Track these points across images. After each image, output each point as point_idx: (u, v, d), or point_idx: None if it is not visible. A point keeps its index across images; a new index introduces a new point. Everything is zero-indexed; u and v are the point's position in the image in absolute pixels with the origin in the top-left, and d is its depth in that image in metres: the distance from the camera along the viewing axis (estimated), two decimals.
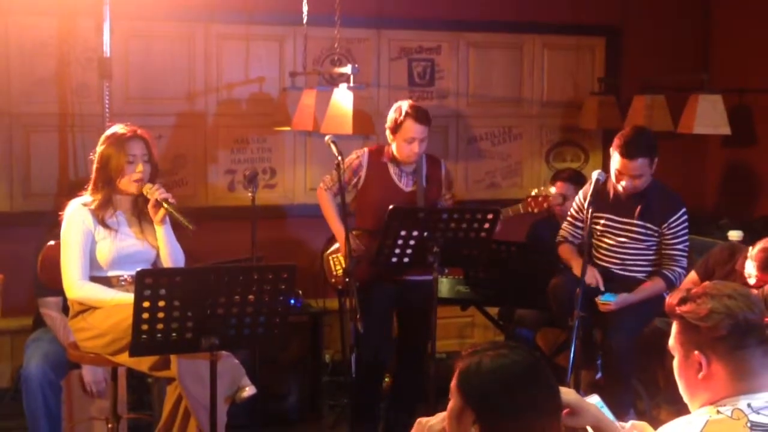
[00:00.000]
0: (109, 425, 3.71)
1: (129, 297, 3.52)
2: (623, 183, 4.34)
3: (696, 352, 2.19)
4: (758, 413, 2.10)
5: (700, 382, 2.19)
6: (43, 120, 5.19)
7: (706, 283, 2.37)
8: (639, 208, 4.41)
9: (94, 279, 3.62)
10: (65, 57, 5.19)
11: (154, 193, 3.61)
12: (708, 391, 2.18)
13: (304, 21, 5.12)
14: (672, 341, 2.30)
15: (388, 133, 4.55)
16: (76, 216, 3.64)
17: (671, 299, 2.30)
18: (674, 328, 2.29)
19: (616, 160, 4.34)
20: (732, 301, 2.19)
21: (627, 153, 4.28)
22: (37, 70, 5.15)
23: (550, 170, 6.17)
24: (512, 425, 1.89)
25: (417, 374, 4.66)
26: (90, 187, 3.71)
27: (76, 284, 3.58)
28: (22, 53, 5.12)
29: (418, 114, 4.46)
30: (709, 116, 5.55)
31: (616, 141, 4.33)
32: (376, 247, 4.23)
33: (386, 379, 5.00)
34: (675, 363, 2.29)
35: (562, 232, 4.66)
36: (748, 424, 2.08)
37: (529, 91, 6.20)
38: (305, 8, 5.11)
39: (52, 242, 3.89)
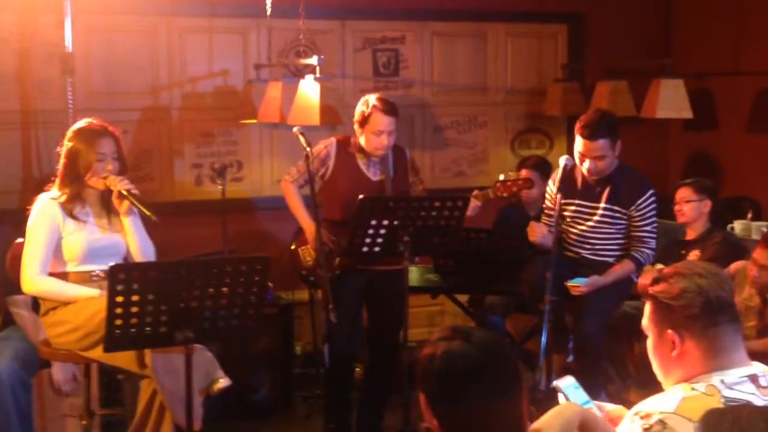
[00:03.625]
0: (83, 422, 3.67)
1: (88, 291, 3.51)
2: (587, 165, 4.38)
3: (669, 331, 2.23)
4: (731, 389, 2.15)
5: (674, 360, 2.23)
6: (5, 117, 5.13)
7: (678, 263, 2.41)
8: (606, 191, 4.46)
9: (66, 275, 3.59)
10: (26, 53, 5.13)
11: (118, 184, 3.59)
12: (682, 368, 2.22)
13: (268, 13, 5.10)
14: (645, 321, 2.34)
15: (356, 126, 4.54)
16: (45, 210, 3.61)
17: (643, 279, 2.35)
18: (647, 307, 2.33)
19: (578, 143, 4.39)
20: (703, 280, 2.23)
21: (588, 134, 4.33)
22: None
23: (515, 157, 6.21)
24: (465, 415, 1.91)
25: (389, 364, 4.68)
26: (58, 181, 3.68)
27: (33, 279, 3.56)
28: None
29: (386, 106, 4.46)
30: (671, 100, 5.62)
31: (578, 124, 4.39)
32: (346, 238, 4.23)
33: (357, 369, 5.01)
34: (649, 342, 2.33)
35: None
36: (722, 400, 2.12)
37: (493, 79, 6.23)
38: (269, 0, 5.09)
39: (20, 239, 3.85)
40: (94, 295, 3.51)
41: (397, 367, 4.57)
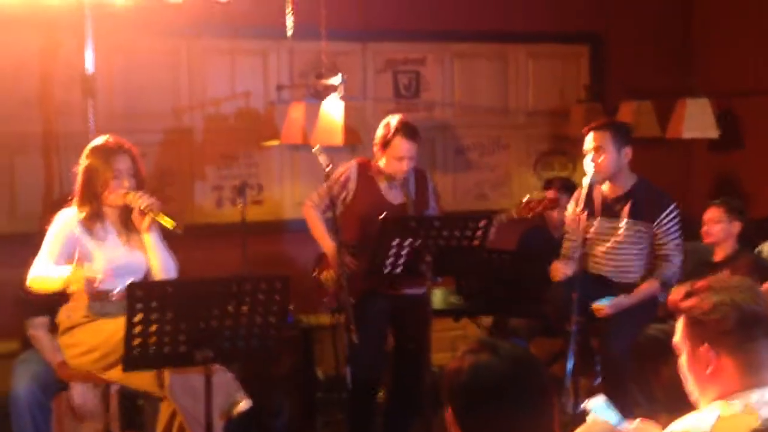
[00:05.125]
0: None
1: (68, 270, 3.45)
2: (589, 159, 4.37)
3: (703, 347, 2.16)
4: None
5: (709, 377, 2.16)
6: (27, 140, 5.13)
7: (709, 277, 2.34)
8: (627, 207, 4.40)
9: (84, 294, 3.55)
10: (47, 76, 5.13)
11: (137, 200, 3.56)
12: (717, 385, 2.15)
13: (289, 34, 5.09)
14: (678, 338, 2.27)
15: (376, 149, 4.49)
16: (64, 224, 3.61)
17: (674, 295, 2.27)
18: (679, 324, 2.26)
19: (585, 141, 4.43)
20: (737, 294, 2.16)
21: (589, 127, 4.46)
22: (19, 89, 5.08)
23: (538, 180, 6.15)
24: (493, 431, 1.85)
25: (412, 388, 4.61)
26: (76, 200, 3.66)
27: (30, 275, 3.57)
28: (3, 73, 5.05)
29: (408, 132, 4.41)
30: (697, 120, 5.57)
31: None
32: (367, 260, 4.18)
33: (380, 394, 4.94)
34: (682, 360, 2.26)
35: (562, 250, 4.64)
36: (760, 420, 2.05)
37: (515, 101, 6.19)
38: (290, 21, 5.08)
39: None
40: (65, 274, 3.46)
41: (420, 392, 4.49)
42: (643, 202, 4.39)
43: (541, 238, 5.24)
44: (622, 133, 4.42)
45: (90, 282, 3.44)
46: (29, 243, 4.52)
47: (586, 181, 4.28)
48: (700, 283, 2.26)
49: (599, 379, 4.44)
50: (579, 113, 6.09)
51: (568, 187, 5.24)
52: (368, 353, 4.34)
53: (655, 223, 4.36)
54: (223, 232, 5.34)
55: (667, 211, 4.37)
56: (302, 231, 4.87)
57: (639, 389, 4.57)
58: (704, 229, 4.91)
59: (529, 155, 6.27)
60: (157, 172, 5.32)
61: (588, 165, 4.39)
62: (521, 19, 6.08)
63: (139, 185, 3.67)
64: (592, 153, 4.37)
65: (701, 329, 2.17)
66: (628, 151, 4.39)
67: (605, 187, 4.46)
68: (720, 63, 6.20)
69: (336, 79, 4.60)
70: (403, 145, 4.39)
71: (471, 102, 6.08)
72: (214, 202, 5.53)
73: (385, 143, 4.43)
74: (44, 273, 3.54)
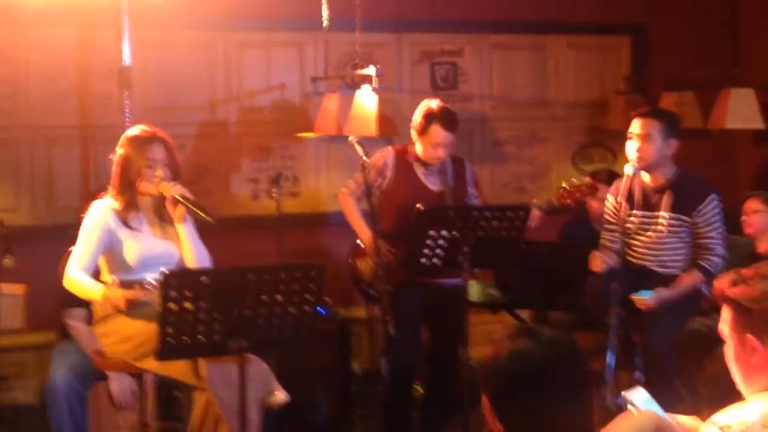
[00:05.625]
0: None
1: (100, 287, 3.45)
2: (635, 147, 4.26)
3: (749, 336, 2.10)
4: None
5: (756, 367, 2.09)
6: (64, 132, 5.16)
7: (757, 264, 2.27)
8: (667, 199, 4.31)
9: (118, 283, 3.55)
10: (85, 68, 5.16)
11: (171, 189, 3.54)
12: (764, 376, 2.08)
13: (324, 25, 5.06)
14: (723, 326, 2.20)
15: (413, 132, 4.45)
16: (99, 214, 3.60)
17: (720, 283, 2.20)
18: (725, 312, 2.19)
19: (631, 126, 4.33)
20: None
21: (640, 113, 4.33)
22: (57, 82, 5.12)
23: (577, 173, 6.06)
24: (531, 419, 1.79)
25: (449, 381, 4.55)
26: (111, 189, 3.65)
27: (68, 273, 3.56)
28: (42, 65, 5.09)
29: (447, 119, 4.34)
30: (741, 111, 5.45)
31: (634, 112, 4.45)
32: (405, 249, 4.13)
33: (417, 388, 4.89)
34: (727, 349, 2.19)
35: (601, 241, 4.55)
36: None
37: (554, 93, 6.12)
38: (325, 13, 5.05)
39: (73, 248, 3.82)
40: (99, 289, 3.48)
41: (457, 386, 4.43)
42: (683, 193, 4.30)
43: (582, 229, 5.14)
44: (671, 124, 4.32)
45: (118, 305, 3.47)
46: (67, 234, 4.53)
47: (627, 170, 4.18)
48: (747, 271, 2.19)
49: (640, 373, 4.35)
50: (619, 105, 6.00)
51: (612, 180, 5.14)
52: (404, 344, 4.29)
53: (696, 213, 4.26)
54: (259, 224, 5.32)
55: (707, 200, 4.27)
56: (339, 224, 4.85)
57: (682, 383, 4.48)
58: (743, 218, 4.81)
59: (568, 147, 6.19)
60: (192, 164, 5.32)
61: (630, 151, 4.29)
62: (561, 10, 6.00)
63: (174, 175, 3.65)
64: (637, 139, 4.27)
65: (748, 317, 2.11)
66: (674, 143, 4.29)
67: (646, 177, 4.37)
68: (764, 53, 6.06)
69: (370, 70, 4.55)
70: (439, 133, 4.33)
71: (509, 94, 6.02)
72: (250, 194, 5.52)
73: (422, 129, 4.37)
74: (81, 281, 3.54)
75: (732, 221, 4.70)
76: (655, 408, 2.27)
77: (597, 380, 4.45)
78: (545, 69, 6.08)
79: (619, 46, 6.19)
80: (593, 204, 5.00)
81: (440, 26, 5.81)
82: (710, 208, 4.27)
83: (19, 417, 5.02)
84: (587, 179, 4.96)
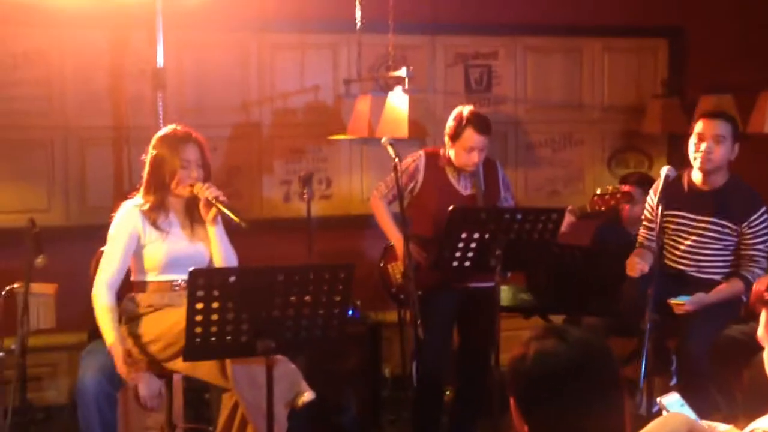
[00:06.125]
0: None
1: (112, 333, 3.47)
2: (703, 148, 4.17)
3: None
4: None
5: None
6: (98, 133, 5.18)
7: None
8: (717, 204, 4.22)
9: (147, 284, 3.55)
10: (118, 69, 5.17)
11: (204, 191, 3.52)
12: None
13: (358, 27, 5.04)
14: (761, 331, 2.14)
15: (446, 139, 4.40)
16: (126, 217, 3.58)
17: (759, 286, 2.14)
18: (763, 316, 2.13)
19: (698, 126, 4.24)
20: None
21: (710, 114, 4.27)
22: (91, 83, 5.14)
23: (613, 177, 5.98)
24: (559, 421, 1.73)
25: (480, 387, 4.50)
26: (142, 189, 3.64)
27: (99, 291, 3.55)
28: (75, 67, 5.11)
29: (480, 123, 4.30)
30: None
31: (698, 112, 4.31)
32: (436, 252, 4.09)
33: (447, 392, 4.84)
34: (765, 354, 2.13)
35: (639, 238, 4.49)
36: None
37: (589, 96, 6.05)
38: (358, 15, 5.03)
39: (103, 248, 3.82)
40: (112, 338, 3.48)
41: (487, 391, 4.38)
42: (734, 201, 4.22)
43: (615, 234, 5.07)
44: (738, 129, 4.29)
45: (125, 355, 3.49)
46: (99, 235, 4.54)
47: (664, 172, 4.10)
48: None
49: (675, 380, 4.27)
50: (655, 109, 5.92)
51: (645, 183, 5.06)
52: (434, 348, 4.25)
53: (745, 224, 4.19)
54: (291, 226, 5.31)
55: (760, 212, 4.20)
56: (370, 227, 4.81)
57: (718, 391, 4.39)
58: None
59: (603, 151, 6.12)
60: (225, 166, 5.32)
61: (695, 151, 4.20)
62: (596, 12, 5.93)
63: (206, 176, 3.63)
64: (709, 140, 4.18)
65: None
66: (737, 148, 4.23)
67: (697, 179, 4.28)
68: None
69: (402, 72, 4.52)
70: (473, 137, 4.29)
71: (544, 97, 5.96)
72: (282, 196, 5.51)
73: (455, 135, 4.33)
74: (103, 316, 3.53)
75: None
76: (688, 413, 2.21)
77: (630, 387, 4.38)
78: (580, 72, 6.01)
79: (655, 49, 6.10)
80: (626, 208, 4.93)
81: (474, 29, 5.76)
82: (761, 221, 4.21)
83: (50, 417, 5.05)
84: (624, 187, 4.89)
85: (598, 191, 4.38)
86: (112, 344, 3.50)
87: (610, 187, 4.42)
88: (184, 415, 4.26)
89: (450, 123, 4.37)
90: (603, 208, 4.33)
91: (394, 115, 4.49)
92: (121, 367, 3.49)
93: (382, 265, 4.69)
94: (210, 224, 3.60)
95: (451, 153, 4.39)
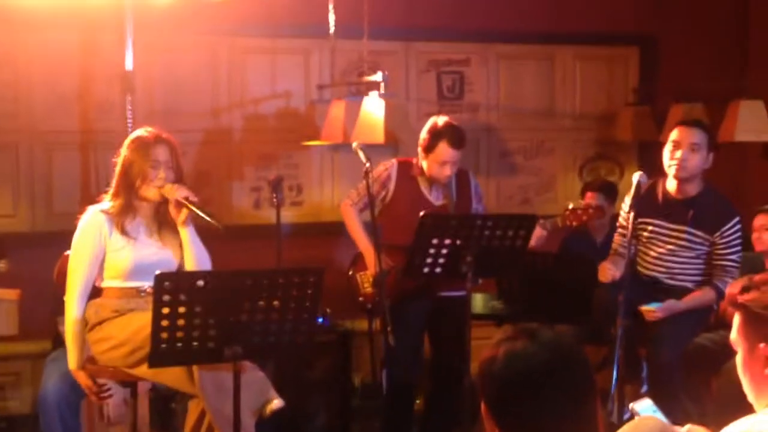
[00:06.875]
0: None
1: (75, 352, 3.47)
2: (678, 155, 4.18)
3: (762, 345, 2.02)
4: None
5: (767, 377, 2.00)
6: (65, 137, 5.10)
7: None
8: (691, 213, 4.23)
9: (113, 290, 3.47)
10: (87, 73, 5.10)
11: (174, 192, 3.45)
12: None
13: (331, 32, 5.00)
14: (734, 334, 2.12)
15: (420, 150, 4.38)
16: (91, 224, 3.51)
17: (732, 289, 2.12)
18: (736, 319, 2.11)
19: (673, 134, 4.27)
20: None
21: (686, 123, 4.31)
22: (58, 86, 5.06)
23: (583, 185, 5.98)
24: (531, 425, 1.68)
25: (451, 396, 4.46)
26: (111, 191, 3.57)
27: (69, 303, 3.50)
28: (43, 70, 5.03)
29: (454, 137, 4.27)
30: (750, 123, 5.39)
31: (669, 120, 4.46)
32: (406, 258, 4.05)
33: (417, 402, 4.80)
34: (738, 358, 2.11)
35: (613, 245, 4.49)
36: None
37: (561, 104, 6.05)
38: (332, 20, 5.00)
39: (68, 252, 3.74)
40: (74, 363, 3.49)
41: (458, 400, 4.34)
42: (708, 210, 4.23)
43: (583, 243, 5.07)
44: (713, 139, 4.34)
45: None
46: (65, 241, 4.47)
47: (635, 179, 4.10)
48: (759, 277, 2.11)
49: (646, 387, 4.27)
50: (627, 117, 5.94)
51: (607, 190, 5.08)
52: (405, 356, 4.22)
53: (718, 234, 4.20)
54: (261, 233, 5.22)
55: (732, 223, 4.23)
56: (341, 234, 4.76)
57: (688, 398, 4.39)
58: (755, 236, 4.72)
59: (575, 160, 6.11)
60: (194, 171, 5.24)
61: (669, 159, 4.22)
62: (568, 20, 5.93)
63: (177, 178, 3.56)
64: (684, 149, 4.19)
65: (760, 325, 2.03)
66: (711, 158, 4.25)
67: (672, 188, 4.29)
68: None
69: (378, 76, 4.49)
70: (447, 152, 4.27)
71: (516, 104, 5.95)
72: (252, 203, 5.45)
73: (428, 147, 4.31)
74: (70, 335, 3.52)
75: (742, 237, 4.60)
76: (660, 418, 2.19)
77: (602, 395, 4.36)
78: (552, 79, 6.01)
79: (627, 57, 6.12)
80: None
81: (448, 35, 5.74)
82: (733, 231, 4.23)
83: (13, 427, 4.95)
84: (587, 195, 4.90)
85: (570, 206, 4.38)
86: (74, 370, 3.50)
87: (582, 202, 4.43)
88: (150, 423, 4.19)
89: (424, 135, 4.34)
90: (575, 224, 4.35)
91: (369, 120, 4.46)
92: (89, 395, 3.51)
93: (351, 273, 4.64)
94: (181, 227, 3.52)
95: (424, 164, 4.36)
